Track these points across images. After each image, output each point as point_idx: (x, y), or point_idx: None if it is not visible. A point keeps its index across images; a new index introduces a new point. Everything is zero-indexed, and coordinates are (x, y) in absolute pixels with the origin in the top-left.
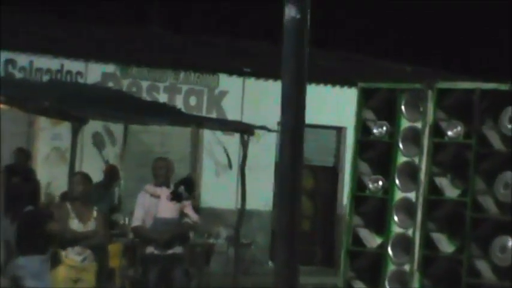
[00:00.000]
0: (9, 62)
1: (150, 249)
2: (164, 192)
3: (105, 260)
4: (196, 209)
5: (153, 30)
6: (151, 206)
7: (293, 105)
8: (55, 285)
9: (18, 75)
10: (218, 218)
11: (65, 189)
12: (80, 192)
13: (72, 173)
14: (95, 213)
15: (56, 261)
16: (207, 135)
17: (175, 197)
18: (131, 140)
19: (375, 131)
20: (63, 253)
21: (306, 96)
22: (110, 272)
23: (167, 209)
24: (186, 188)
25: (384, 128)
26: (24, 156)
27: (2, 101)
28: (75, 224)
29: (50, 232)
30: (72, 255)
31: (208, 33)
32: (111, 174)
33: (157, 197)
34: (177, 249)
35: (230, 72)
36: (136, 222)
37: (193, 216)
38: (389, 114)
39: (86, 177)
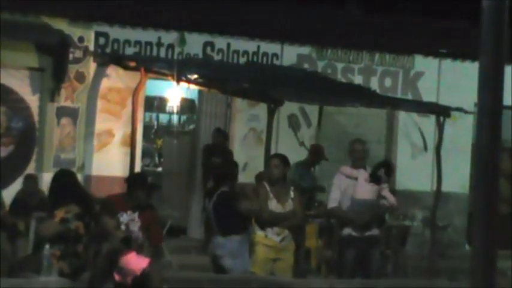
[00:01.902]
0: (208, 44)
1: (347, 231)
2: (362, 174)
3: (302, 240)
4: (392, 191)
5: (349, 11)
6: (348, 187)
7: (491, 87)
8: (254, 264)
9: (216, 57)
10: (414, 200)
11: (261, 169)
12: (278, 174)
13: (268, 154)
14: (292, 194)
15: (253, 241)
16: (403, 117)
17: (375, 179)
18: (326, 122)
19: None
20: (261, 233)
21: (503, 77)
22: (307, 252)
23: (365, 191)
24: (386, 171)
25: None
26: (222, 136)
27: (201, 83)
28: (273, 205)
29: (247, 212)
30: (271, 235)
31: (403, 14)
32: (316, 153)
33: (354, 178)
34: (374, 231)
35: (426, 53)
36: (333, 203)
37: (390, 198)
38: None
39: (283, 160)
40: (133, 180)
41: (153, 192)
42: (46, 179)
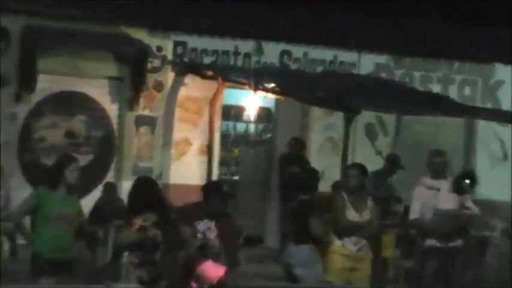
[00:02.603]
0: (285, 53)
1: (430, 242)
2: (444, 184)
3: (379, 250)
4: (472, 201)
5: (428, 19)
6: (430, 198)
7: None
8: (329, 274)
9: (293, 66)
10: (493, 210)
11: (337, 178)
12: (355, 184)
13: (344, 162)
14: (369, 203)
15: (330, 251)
16: (482, 126)
17: (458, 189)
18: (403, 131)
19: None
20: (338, 243)
21: None
22: (384, 262)
23: (448, 201)
24: (470, 182)
25: None
26: (299, 145)
27: (278, 91)
28: (351, 214)
29: (323, 222)
30: (348, 245)
31: (483, 23)
32: (393, 162)
33: (436, 189)
34: (458, 242)
35: (506, 61)
36: (414, 215)
37: (474, 208)
38: None
39: (361, 169)
40: (210, 188)
41: (229, 201)
42: (125, 187)
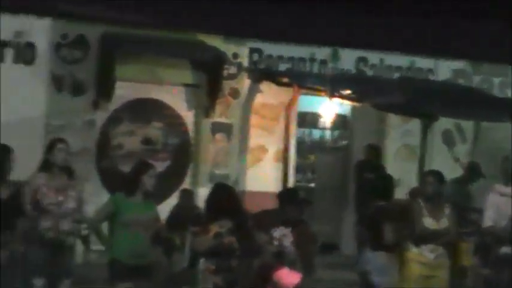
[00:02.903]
0: (361, 59)
1: (505, 249)
2: None
3: (456, 258)
4: None
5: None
6: (503, 205)
7: None
8: (405, 281)
9: (369, 72)
10: None
11: (414, 185)
12: (432, 191)
13: (421, 170)
14: (446, 211)
15: (407, 258)
16: None
17: None
18: (482, 137)
19: None
20: (415, 250)
21: None
22: (462, 270)
23: None
24: None
25: None
26: (375, 152)
27: (354, 98)
28: (428, 222)
29: (399, 229)
30: (425, 253)
31: None
32: (473, 170)
33: (509, 196)
34: None
35: None
36: (488, 222)
37: None
38: None
39: (439, 176)
40: (286, 195)
41: (305, 208)
42: (201, 194)
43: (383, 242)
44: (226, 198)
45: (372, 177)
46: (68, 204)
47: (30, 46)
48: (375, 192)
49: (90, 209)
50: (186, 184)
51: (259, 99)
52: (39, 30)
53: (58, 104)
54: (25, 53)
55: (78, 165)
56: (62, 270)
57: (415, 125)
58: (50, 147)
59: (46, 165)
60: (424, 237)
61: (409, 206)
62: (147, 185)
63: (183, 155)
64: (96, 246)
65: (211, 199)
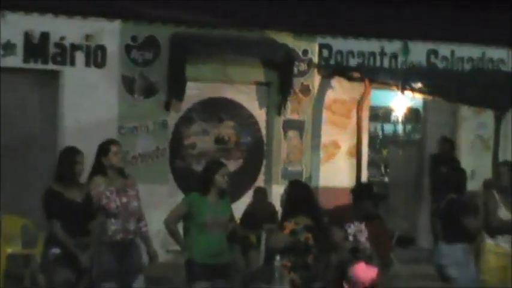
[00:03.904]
0: (432, 52)
1: None
2: None
3: None
4: None
5: None
6: None
7: None
8: (484, 273)
9: (440, 65)
10: None
11: (488, 177)
12: (507, 182)
13: (495, 161)
14: None
15: (483, 250)
16: None
17: None
18: None
19: None
20: (492, 241)
21: None
22: None
23: None
24: None
25: None
26: (448, 145)
27: (426, 91)
28: (503, 213)
29: (472, 222)
30: (502, 244)
31: None
32: None
33: None
34: None
35: None
36: None
37: None
38: None
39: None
40: (360, 190)
41: (379, 203)
42: (275, 192)
43: (458, 234)
44: (302, 195)
45: (446, 171)
46: (131, 204)
47: (101, 49)
48: (448, 185)
49: (166, 209)
50: (259, 182)
51: (330, 95)
52: (109, 33)
53: (130, 106)
54: (96, 56)
55: (152, 166)
56: (132, 269)
57: (487, 116)
58: (105, 151)
59: (101, 169)
60: (500, 228)
61: (483, 198)
62: (220, 184)
63: (256, 153)
64: (173, 246)
65: (286, 197)
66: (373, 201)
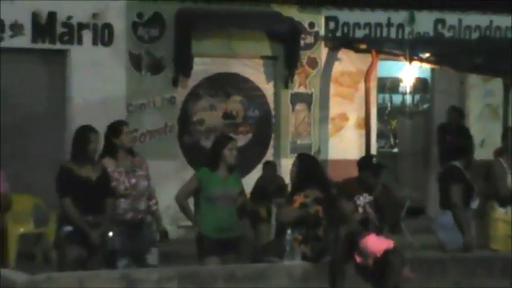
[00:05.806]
0: (439, 21)
1: None
2: None
3: None
4: None
5: None
6: None
7: None
8: (494, 241)
9: (447, 34)
10: None
11: (499, 145)
12: None
13: (505, 129)
14: None
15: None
16: None
17: None
18: None
19: None
20: (501, 210)
21: None
22: None
23: None
24: None
25: None
26: (457, 114)
27: (434, 61)
28: (510, 181)
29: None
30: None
31: None
32: None
33: None
34: None
35: None
36: None
37: None
38: None
39: None
40: (359, 162)
41: (379, 173)
42: (284, 165)
43: (447, 201)
44: (310, 168)
45: (454, 139)
46: (140, 184)
47: (108, 27)
48: (458, 153)
49: (176, 185)
50: (268, 156)
51: (337, 67)
52: (115, 11)
53: (138, 83)
54: (103, 35)
55: (161, 143)
56: (145, 245)
57: (496, 84)
58: (117, 131)
59: (111, 149)
60: (508, 197)
61: (492, 167)
62: (228, 159)
63: (264, 127)
64: (183, 222)
65: (295, 170)
66: (373, 172)
